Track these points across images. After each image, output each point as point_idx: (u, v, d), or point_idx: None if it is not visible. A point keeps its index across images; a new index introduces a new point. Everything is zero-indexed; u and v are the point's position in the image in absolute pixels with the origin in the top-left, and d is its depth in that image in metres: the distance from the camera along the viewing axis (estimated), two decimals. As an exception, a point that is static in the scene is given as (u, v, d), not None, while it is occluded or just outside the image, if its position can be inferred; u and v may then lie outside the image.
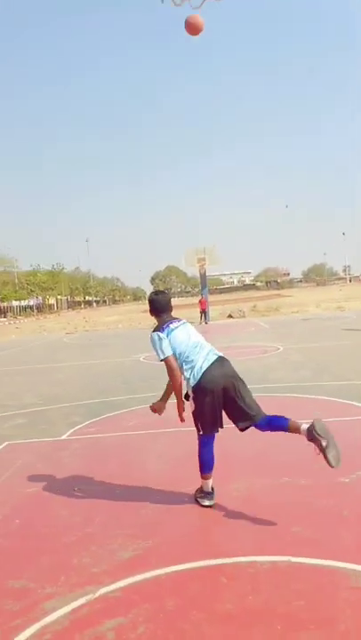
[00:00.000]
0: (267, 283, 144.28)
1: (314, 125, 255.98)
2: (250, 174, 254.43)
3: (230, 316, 30.19)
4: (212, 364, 3.85)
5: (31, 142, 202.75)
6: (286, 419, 3.77)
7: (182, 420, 4.03)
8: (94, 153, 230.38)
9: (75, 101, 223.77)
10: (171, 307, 4.22)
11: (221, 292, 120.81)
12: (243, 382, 3.91)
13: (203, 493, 4.01)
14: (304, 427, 3.63)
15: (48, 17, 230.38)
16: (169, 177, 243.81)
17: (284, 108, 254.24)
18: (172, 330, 3.98)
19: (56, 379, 11.74)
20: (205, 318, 27.79)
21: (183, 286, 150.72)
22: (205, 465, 3.96)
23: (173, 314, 4.22)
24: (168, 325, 4.01)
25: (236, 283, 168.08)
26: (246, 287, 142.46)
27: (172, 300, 4.34)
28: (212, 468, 3.97)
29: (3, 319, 64.61)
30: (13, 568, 3.31)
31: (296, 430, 3.68)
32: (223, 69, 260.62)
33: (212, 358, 3.89)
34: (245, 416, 3.82)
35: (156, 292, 4.29)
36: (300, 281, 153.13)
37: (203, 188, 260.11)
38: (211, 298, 33.20)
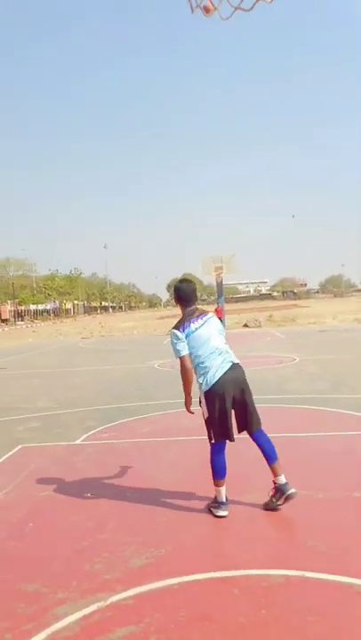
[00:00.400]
0: (283, 293, 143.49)
1: (330, 134, 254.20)
2: (266, 183, 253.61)
3: (246, 326, 30.07)
4: (225, 373, 3.87)
5: (35, 143, 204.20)
6: (275, 458, 3.94)
7: (189, 411, 4.11)
8: (96, 154, 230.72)
9: (82, 103, 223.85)
10: (196, 296, 4.20)
11: (237, 300, 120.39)
12: (250, 392, 3.98)
13: (217, 503, 3.98)
14: (281, 480, 3.89)
15: (50, 15, 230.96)
16: (183, 183, 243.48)
17: (299, 117, 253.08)
18: (193, 331, 3.95)
19: (71, 383, 11.80)
20: (221, 327, 27.63)
21: (199, 294, 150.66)
22: (217, 472, 3.96)
23: None
24: (189, 325, 3.97)
25: (252, 292, 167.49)
26: (263, 297, 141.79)
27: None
28: (224, 475, 3.95)
29: (20, 322, 65.27)
30: (26, 571, 3.32)
31: (274, 474, 3.92)
32: (236, 76, 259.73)
33: (227, 366, 3.91)
34: (248, 422, 3.93)
35: (181, 281, 4.26)
36: (318, 292, 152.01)
37: (222, 195, 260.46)
38: (227, 306, 33.10)
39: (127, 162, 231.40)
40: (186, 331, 3.95)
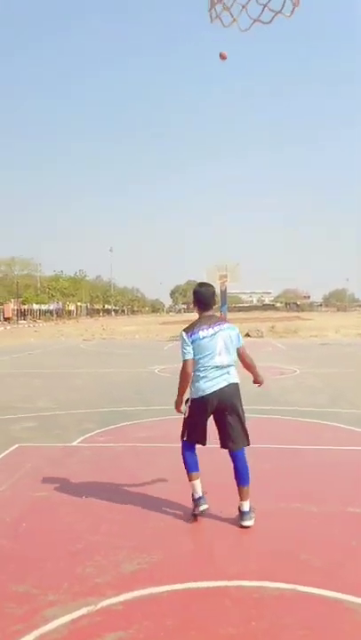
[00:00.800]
0: (286, 304, 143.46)
1: (334, 137, 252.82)
2: (266, 184, 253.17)
3: (248, 335, 30.03)
4: (218, 389, 3.89)
5: (35, 143, 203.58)
6: (246, 482, 3.93)
7: (178, 411, 4.15)
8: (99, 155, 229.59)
9: (84, 104, 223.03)
10: (214, 301, 4.17)
11: (240, 309, 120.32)
12: (237, 412, 3.95)
13: (194, 502, 4.01)
14: (244, 507, 3.87)
15: (50, 15, 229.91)
16: (184, 183, 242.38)
17: (304, 122, 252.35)
18: (200, 339, 3.89)
19: (72, 384, 11.79)
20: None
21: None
22: (188, 465, 4.04)
23: None
24: (198, 331, 3.91)
25: (255, 302, 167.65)
26: (266, 307, 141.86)
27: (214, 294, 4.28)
28: (196, 469, 4.02)
29: (22, 321, 65.31)
30: (18, 572, 3.31)
31: (240, 496, 3.90)
32: (236, 76, 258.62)
33: (222, 384, 3.90)
34: (230, 440, 3.93)
35: (200, 284, 4.24)
36: (321, 305, 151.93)
37: (222, 195, 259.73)
38: (229, 315, 33.09)
39: (127, 162, 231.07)
40: (193, 337, 3.90)
